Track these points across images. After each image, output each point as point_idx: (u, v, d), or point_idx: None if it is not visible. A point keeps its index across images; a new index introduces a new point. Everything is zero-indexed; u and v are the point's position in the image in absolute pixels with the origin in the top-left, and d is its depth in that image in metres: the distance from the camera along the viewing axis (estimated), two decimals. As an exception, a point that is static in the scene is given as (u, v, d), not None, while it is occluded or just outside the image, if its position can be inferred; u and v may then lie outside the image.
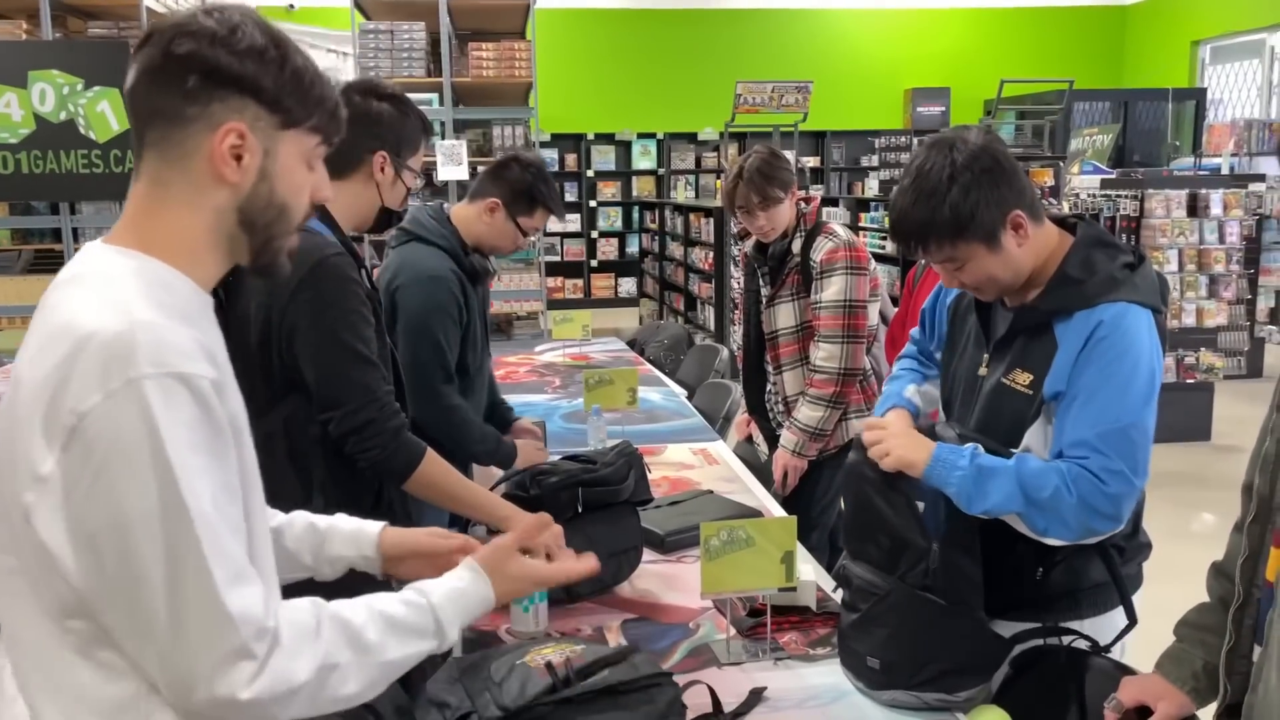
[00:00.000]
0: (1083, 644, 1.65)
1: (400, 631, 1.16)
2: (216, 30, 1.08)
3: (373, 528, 1.45)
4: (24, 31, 6.26)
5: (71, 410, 0.97)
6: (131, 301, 1.02)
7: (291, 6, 11.32)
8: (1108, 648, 1.65)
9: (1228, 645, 1.28)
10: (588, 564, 1.44)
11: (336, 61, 11.51)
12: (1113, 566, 1.68)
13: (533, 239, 2.73)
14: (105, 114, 6.08)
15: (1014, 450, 1.65)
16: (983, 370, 1.77)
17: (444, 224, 2.59)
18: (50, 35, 6.12)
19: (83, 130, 6.07)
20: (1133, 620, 1.68)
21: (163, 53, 1.07)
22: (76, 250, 1.17)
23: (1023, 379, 1.67)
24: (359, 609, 1.14)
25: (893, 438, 1.68)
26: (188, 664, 0.99)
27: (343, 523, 1.45)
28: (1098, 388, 1.58)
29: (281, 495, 1.82)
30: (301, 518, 1.44)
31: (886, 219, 8.50)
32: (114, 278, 1.05)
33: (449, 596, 1.23)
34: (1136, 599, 1.75)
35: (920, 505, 1.69)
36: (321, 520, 1.44)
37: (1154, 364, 1.60)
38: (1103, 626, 1.70)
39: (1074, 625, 1.67)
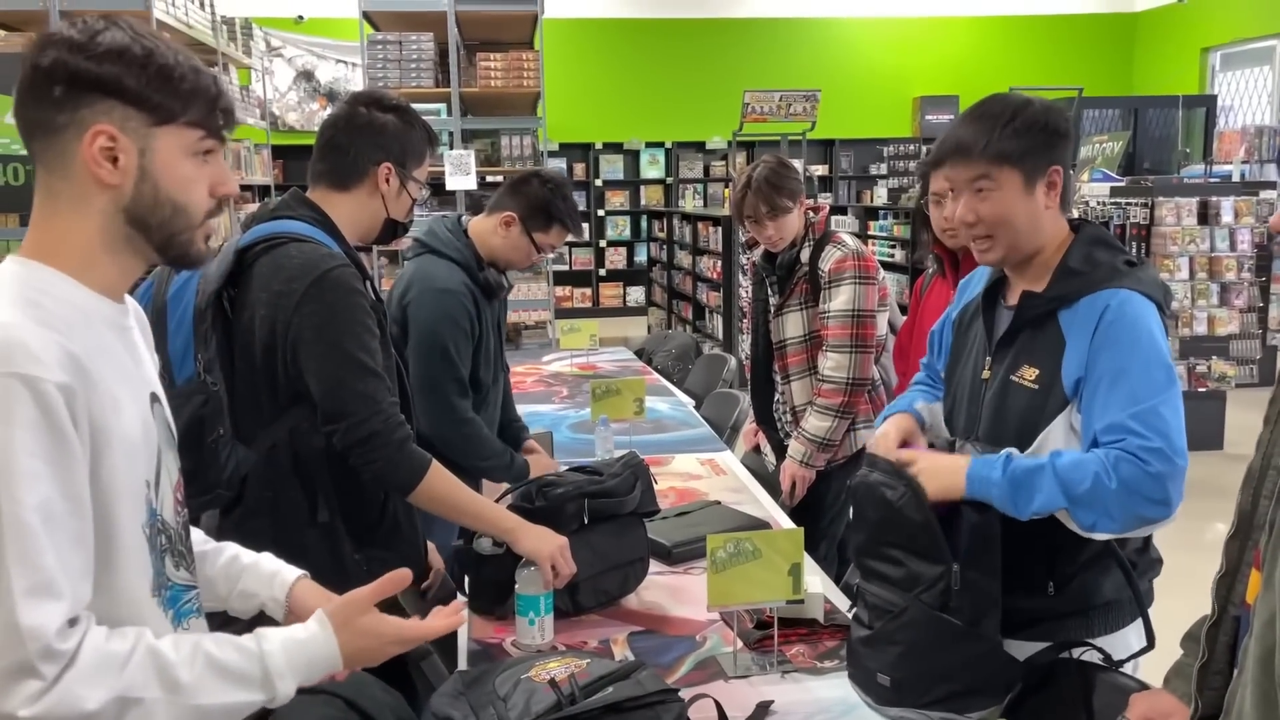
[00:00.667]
0: (1095, 656, 1.63)
1: (220, 676, 1.09)
2: (75, 37, 1.09)
3: (290, 574, 1.40)
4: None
5: None
6: (13, 307, 1.04)
7: (300, 18, 11.37)
8: (1120, 664, 1.63)
9: (1200, 661, 1.26)
10: (450, 620, 1.31)
11: (345, 72, 11.58)
12: (1131, 579, 1.65)
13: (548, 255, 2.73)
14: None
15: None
16: (985, 374, 1.75)
17: (459, 237, 2.59)
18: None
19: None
20: (1151, 641, 1.65)
21: (31, 66, 1.09)
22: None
23: (1029, 374, 1.66)
24: (184, 645, 1.09)
25: (921, 473, 1.64)
26: None
27: (266, 562, 1.41)
28: (1120, 369, 1.56)
29: (286, 507, 1.83)
30: (229, 549, 1.41)
31: (895, 228, 8.49)
32: (4, 284, 1.08)
33: (284, 646, 1.15)
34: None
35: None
36: (247, 555, 1.41)
37: (1166, 347, 1.60)
38: (1115, 645, 1.67)
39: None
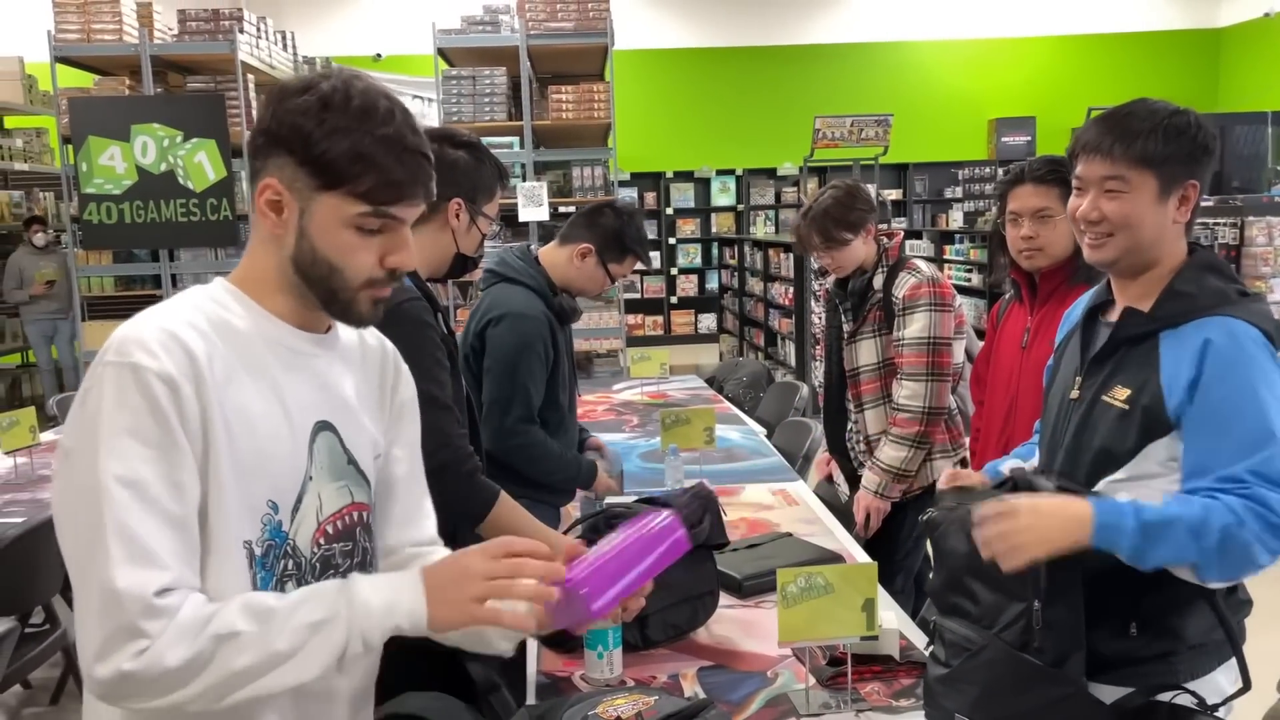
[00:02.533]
0: (1187, 700, 1.55)
1: (304, 596, 1.10)
2: (287, 86, 1.16)
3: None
4: (127, 87, 6.58)
5: (80, 392, 1.10)
6: (164, 309, 1.13)
7: (378, 56, 11.69)
8: (1215, 708, 1.55)
9: None
10: (547, 566, 1.17)
11: (421, 107, 11.85)
12: (1225, 621, 1.56)
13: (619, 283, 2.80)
14: (203, 164, 6.35)
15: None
16: (1074, 393, 1.70)
17: (531, 265, 2.63)
18: (151, 90, 6.41)
19: (181, 180, 6.33)
20: (1247, 683, 1.57)
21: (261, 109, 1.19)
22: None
23: (1120, 394, 1.60)
24: (267, 594, 1.12)
25: (1031, 526, 1.48)
26: (86, 636, 1.04)
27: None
28: (1235, 408, 1.49)
29: (358, 539, 1.85)
30: (412, 553, 1.38)
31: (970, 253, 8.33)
32: (182, 294, 1.18)
33: (370, 578, 1.14)
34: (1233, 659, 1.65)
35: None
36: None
37: (1277, 380, 1.51)
38: (1203, 689, 1.59)
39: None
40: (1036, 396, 2.20)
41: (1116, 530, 1.48)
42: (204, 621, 1.05)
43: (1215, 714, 1.55)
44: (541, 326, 2.53)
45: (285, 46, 7.70)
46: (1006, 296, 2.67)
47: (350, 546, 1.26)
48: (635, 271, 11.81)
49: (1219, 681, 1.60)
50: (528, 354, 2.49)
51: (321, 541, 1.22)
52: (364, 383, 1.30)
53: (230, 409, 1.11)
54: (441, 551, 1.41)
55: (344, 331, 1.28)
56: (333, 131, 1.12)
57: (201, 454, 1.09)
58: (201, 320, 1.13)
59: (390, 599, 1.12)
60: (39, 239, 8.05)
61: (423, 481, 1.43)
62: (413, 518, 1.40)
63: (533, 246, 2.76)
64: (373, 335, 1.35)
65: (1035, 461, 1.87)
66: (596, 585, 1.15)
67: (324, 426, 1.21)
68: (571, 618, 1.17)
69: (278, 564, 1.17)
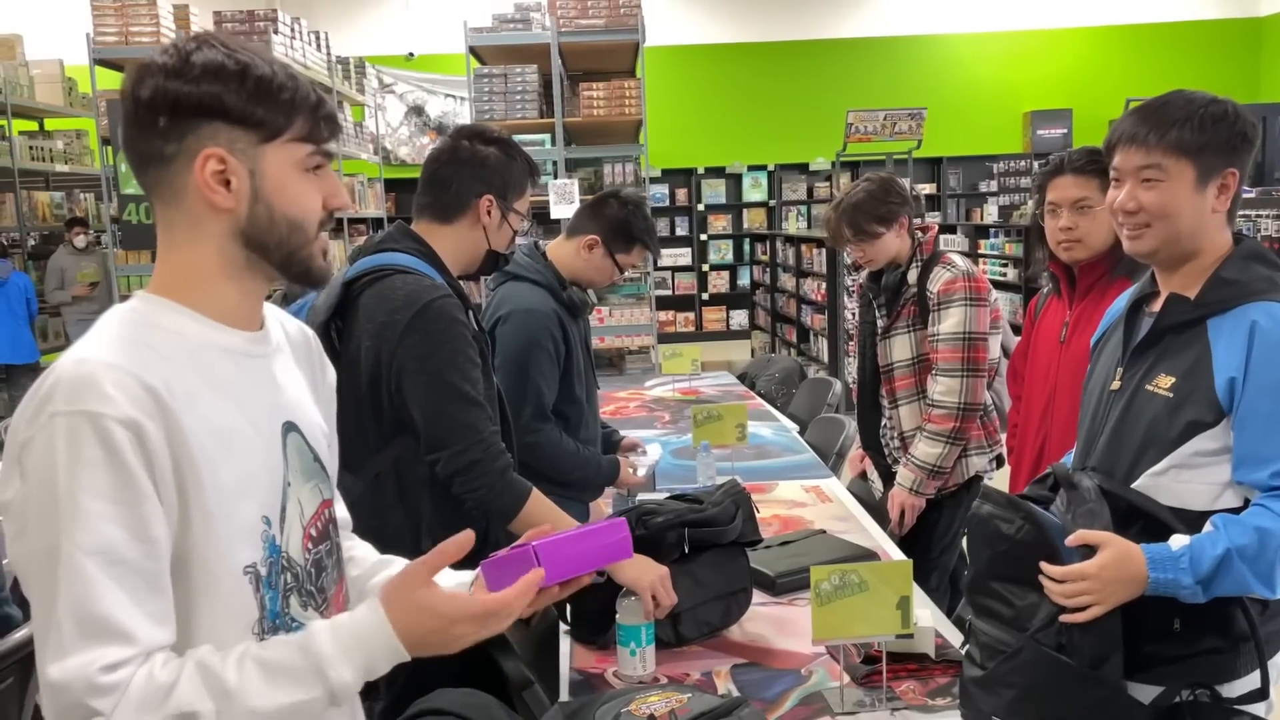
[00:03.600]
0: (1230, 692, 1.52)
1: (270, 674, 1.02)
2: (170, 62, 1.06)
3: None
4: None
5: (17, 441, 1.00)
6: (98, 342, 1.03)
7: (411, 55, 11.75)
8: (1235, 703, 1.52)
9: None
10: (525, 591, 1.12)
11: (454, 106, 11.90)
12: (1254, 629, 1.53)
13: (629, 274, 2.77)
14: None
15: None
16: (1115, 384, 1.67)
17: (539, 260, 2.62)
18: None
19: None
20: (1265, 689, 1.53)
21: (132, 99, 1.06)
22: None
23: (1165, 383, 1.57)
24: (234, 652, 1.03)
25: (1102, 589, 1.48)
26: (49, 710, 0.98)
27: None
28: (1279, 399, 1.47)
29: (389, 534, 1.85)
30: (388, 571, 1.35)
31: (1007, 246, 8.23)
32: (107, 321, 1.07)
33: (332, 632, 1.06)
34: (1278, 658, 1.61)
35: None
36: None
37: None
38: (1245, 689, 1.56)
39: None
40: (1075, 391, 2.17)
41: (1174, 585, 1.49)
42: (161, 696, 0.98)
43: (1245, 711, 1.51)
44: (550, 321, 2.52)
45: (319, 47, 7.77)
46: (1044, 290, 2.63)
47: (329, 545, 1.22)
48: (669, 268, 11.73)
49: (1241, 689, 1.57)
50: (537, 351, 2.48)
51: (309, 547, 1.17)
52: (301, 373, 1.25)
53: (202, 434, 1.03)
54: (359, 541, 1.40)
55: (272, 326, 1.20)
56: (258, 81, 1.06)
57: (177, 494, 1.02)
58: (147, 343, 1.04)
59: (366, 665, 1.06)
60: (80, 240, 8.17)
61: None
62: (337, 500, 1.36)
63: (539, 242, 2.75)
64: (292, 324, 1.28)
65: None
66: (551, 555, 1.14)
67: (290, 428, 1.16)
68: (507, 583, 1.13)
69: (279, 579, 1.12)
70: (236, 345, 1.12)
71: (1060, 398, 2.38)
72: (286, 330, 1.25)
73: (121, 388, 0.98)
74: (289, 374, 1.21)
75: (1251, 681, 1.56)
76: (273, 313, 1.25)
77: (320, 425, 1.25)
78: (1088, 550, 1.50)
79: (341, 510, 1.38)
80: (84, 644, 0.96)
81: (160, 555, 1.01)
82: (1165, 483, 1.57)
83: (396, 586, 1.09)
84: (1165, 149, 1.56)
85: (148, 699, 0.97)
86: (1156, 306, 1.66)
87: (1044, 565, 1.51)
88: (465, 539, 1.13)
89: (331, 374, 1.34)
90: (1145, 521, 1.57)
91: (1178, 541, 1.50)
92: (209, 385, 1.07)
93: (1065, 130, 12.31)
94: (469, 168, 1.97)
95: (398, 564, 1.35)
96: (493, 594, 1.12)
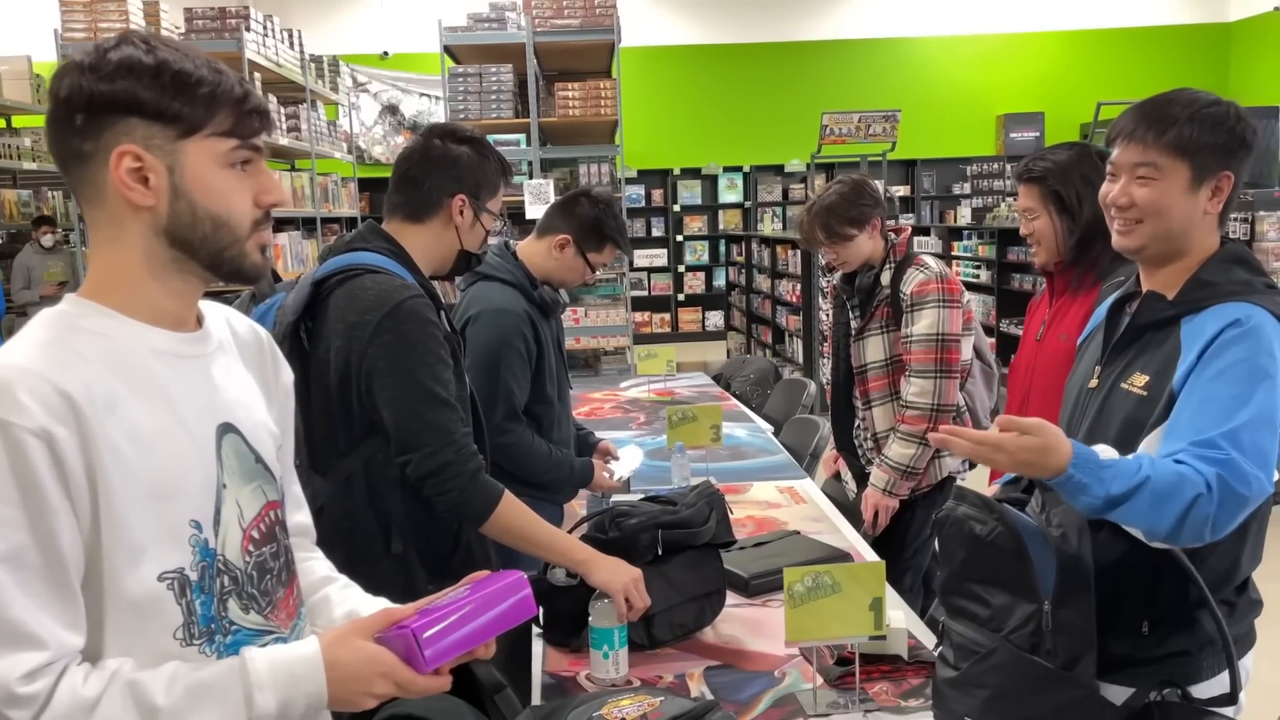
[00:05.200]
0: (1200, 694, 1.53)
1: (201, 695, 1.02)
2: (86, 60, 1.05)
3: (361, 607, 1.32)
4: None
5: None
6: (19, 347, 1.02)
7: (385, 54, 11.68)
8: (1210, 705, 1.52)
9: None
10: (436, 683, 1.13)
11: (429, 105, 11.84)
12: (1223, 631, 1.52)
13: (605, 275, 2.76)
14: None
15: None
16: (1092, 383, 1.69)
17: (509, 259, 2.60)
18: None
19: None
20: (1234, 692, 1.53)
21: (52, 98, 1.05)
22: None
23: (1139, 381, 1.59)
24: (165, 670, 1.03)
25: (1003, 459, 1.47)
26: None
27: (341, 607, 1.33)
28: (1225, 382, 1.47)
29: (361, 538, 1.84)
30: (349, 602, 1.33)
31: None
32: (33, 324, 1.06)
33: (269, 659, 1.06)
34: (1248, 659, 1.62)
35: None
36: (338, 601, 1.34)
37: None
38: (1213, 691, 1.57)
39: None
40: (1050, 389, 2.21)
41: (1084, 489, 1.44)
42: (84, 711, 0.97)
43: (1220, 712, 1.52)
44: (521, 321, 2.50)
45: (292, 45, 7.70)
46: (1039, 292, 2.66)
47: (275, 548, 1.20)
48: (645, 269, 11.72)
49: (1213, 690, 1.57)
50: (508, 351, 2.47)
51: (250, 549, 1.15)
52: (247, 373, 1.22)
53: (121, 438, 1.02)
54: (315, 553, 1.38)
55: (214, 325, 1.19)
56: (175, 74, 1.04)
57: (90, 500, 1.00)
58: (67, 346, 1.03)
59: (287, 699, 1.06)
60: (47, 239, 8.06)
61: (294, 470, 1.37)
62: (296, 507, 1.36)
63: (509, 242, 2.73)
64: (242, 323, 1.26)
65: None
66: (434, 637, 1.10)
67: (227, 429, 1.14)
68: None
69: (214, 583, 1.10)
70: (167, 346, 1.10)
71: (1035, 396, 2.40)
72: (235, 329, 1.23)
73: (36, 395, 0.98)
74: (231, 374, 1.19)
75: (1221, 684, 1.56)
76: (217, 312, 1.23)
77: (267, 426, 1.22)
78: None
79: (302, 518, 1.37)
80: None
81: (67, 564, 1.00)
82: None
83: (340, 630, 1.12)
84: (1162, 148, 1.57)
85: (71, 714, 0.97)
86: (1136, 306, 1.67)
87: (950, 427, 1.50)
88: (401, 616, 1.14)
89: (287, 374, 1.32)
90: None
91: (1106, 452, 1.50)
92: (133, 388, 1.05)
93: (1038, 133, 12.42)
94: (441, 167, 1.95)
95: (339, 583, 1.35)
96: (413, 674, 1.11)
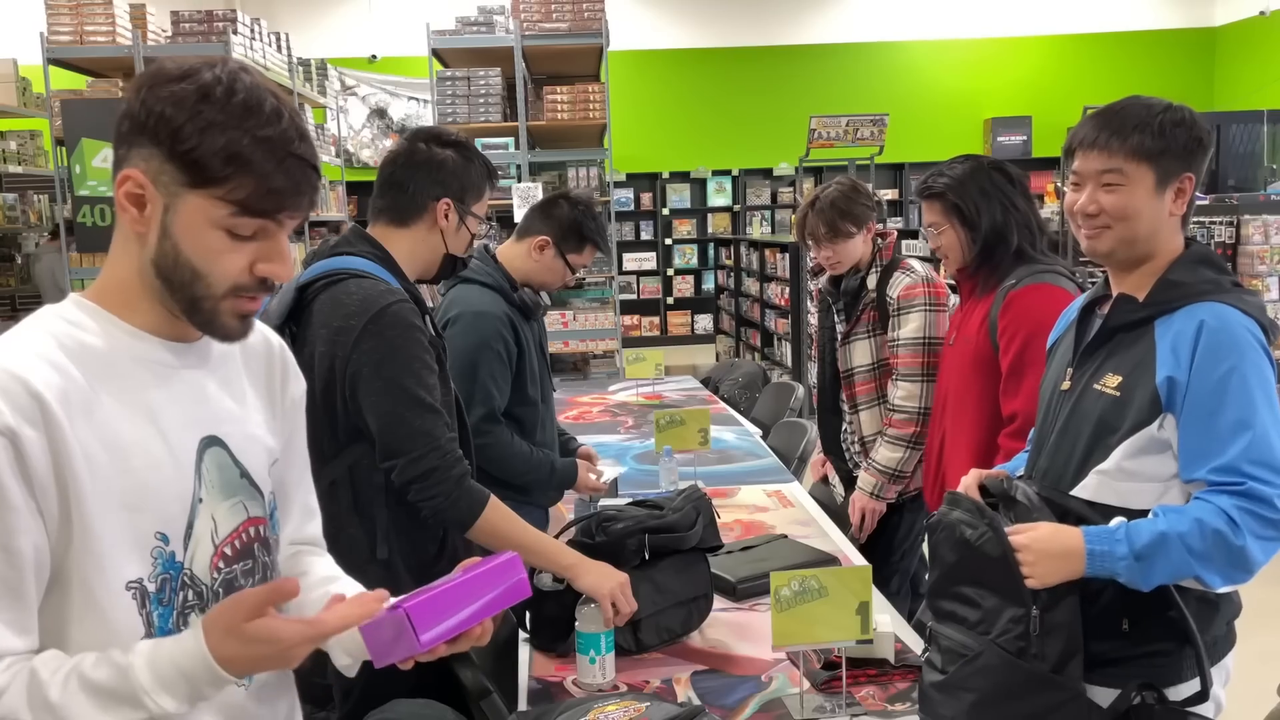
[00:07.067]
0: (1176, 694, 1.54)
1: (91, 694, 0.99)
2: (158, 73, 1.05)
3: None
4: (120, 89, 6.55)
5: None
6: (10, 343, 1.03)
7: (374, 57, 11.65)
8: (1187, 705, 1.53)
9: None
10: (352, 611, 1.08)
11: (417, 109, 11.82)
12: (1190, 632, 1.54)
13: (594, 279, 2.76)
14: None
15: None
16: (1065, 384, 1.70)
17: (489, 262, 2.60)
18: (145, 92, 6.36)
19: (174, 182, 6.28)
20: (1204, 691, 1.54)
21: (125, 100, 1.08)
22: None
23: (1112, 382, 1.60)
24: (64, 666, 1.00)
25: (1034, 563, 1.52)
26: None
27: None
28: (1220, 399, 1.49)
29: (346, 543, 1.83)
30: (327, 590, 1.28)
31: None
32: (27, 321, 1.07)
33: (149, 658, 1.01)
34: (1229, 659, 1.63)
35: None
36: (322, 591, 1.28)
37: (1272, 375, 1.53)
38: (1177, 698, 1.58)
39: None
40: (959, 391, 2.41)
41: (1110, 557, 1.49)
42: None
43: (1196, 712, 1.53)
44: (499, 324, 2.50)
45: (279, 48, 7.67)
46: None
47: (250, 565, 1.18)
48: (634, 273, 11.69)
49: (1216, 681, 1.58)
50: (486, 353, 2.46)
51: (221, 565, 1.14)
52: (250, 386, 1.21)
53: (94, 444, 1.01)
54: (323, 555, 1.37)
55: None
56: (207, 126, 1.02)
57: (58, 503, 1.00)
58: (52, 348, 1.03)
59: (190, 693, 1.02)
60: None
61: (309, 479, 1.36)
62: (306, 518, 1.35)
63: (489, 245, 2.73)
64: (255, 332, 1.23)
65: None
66: (426, 615, 1.08)
67: (211, 442, 1.13)
68: (397, 650, 1.09)
69: (176, 597, 1.09)
70: (158, 356, 1.10)
71: (951, 400, 2.51)
72: (247, 340, 1.19)
73: (6, 394, 0.97)
74: (228, 386, 1.18)
75: (1222, 677, 1.57)
76: None
77: (261, 440, 1.21)
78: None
79: (312, 529, 1.36)
80: None
81: (22, 565, 0.99)
82: (1110, 481, 1.58)
83: (220, 614, 1.03)
84: (1126, 154, 1.59)
85: None
86: (1107, 309, 1.68)
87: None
88: (290, 588, 1.03)
89: (297, 385, 1.31)
90: (1085, 525, 1.58)
91: (1115, 522, 1.53)
92: (114, 394, 1.05)
93: (1025, 137, 12.47)
94: (426, 171, 1.95)
95: (342, 581, 1.33)
96: (321, 617, 1.06)
